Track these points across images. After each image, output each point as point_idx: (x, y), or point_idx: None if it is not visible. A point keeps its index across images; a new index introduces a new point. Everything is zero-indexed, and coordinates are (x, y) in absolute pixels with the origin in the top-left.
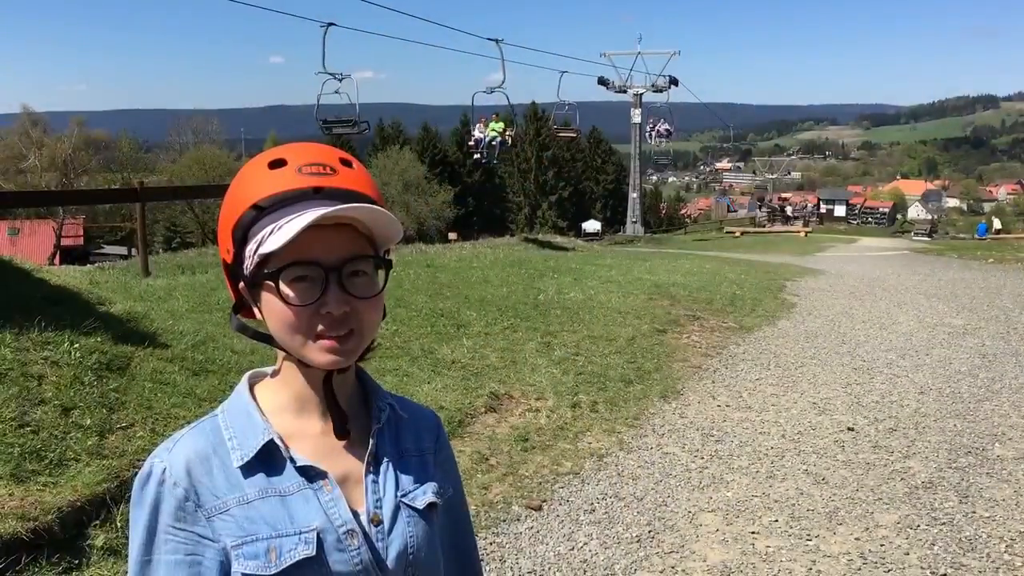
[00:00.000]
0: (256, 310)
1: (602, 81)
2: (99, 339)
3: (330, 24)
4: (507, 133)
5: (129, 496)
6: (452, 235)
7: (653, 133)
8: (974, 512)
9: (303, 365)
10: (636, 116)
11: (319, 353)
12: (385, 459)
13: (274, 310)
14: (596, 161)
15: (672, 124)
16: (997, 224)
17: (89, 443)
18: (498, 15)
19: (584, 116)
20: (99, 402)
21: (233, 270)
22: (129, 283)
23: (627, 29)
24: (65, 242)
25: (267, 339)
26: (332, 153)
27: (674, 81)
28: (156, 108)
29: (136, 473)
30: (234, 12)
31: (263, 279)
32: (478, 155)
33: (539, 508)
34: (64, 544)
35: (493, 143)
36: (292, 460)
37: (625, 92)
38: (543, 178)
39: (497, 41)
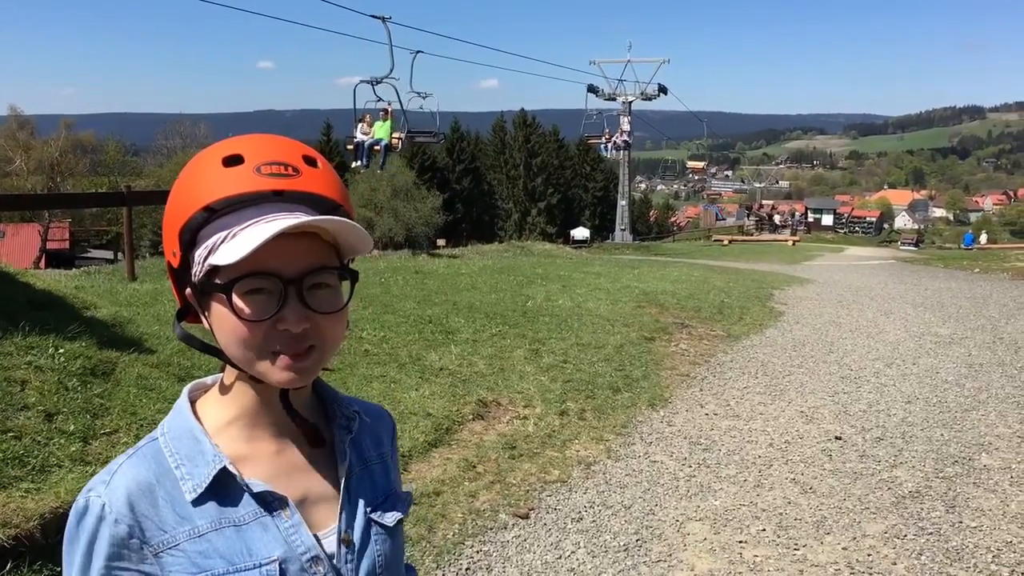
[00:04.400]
0: (204, 319)
1: (592, 88)
2: (84, 344)
3: (418, 52)
4: (396, 136)
5: None
6: (440, 242)
7: (610, 145)
8: (961, 522)
9: (255, 379)
10: (626, 124)
11: (275, 371)
12: (353, 473)
13: (225, 324)
14: (585, 168)
15: (631, 135)
16: (984, 239)
17: (72, 449)
18: (486, 23)
19: (572, 124)
20: (83, 408)
21: (179, 274)
22: (115, 288)
23: (616, 37)
24: (51, 246)
25: (216, 352)
26: (295, 150)
27: (663, 89)
28: (144, 112)
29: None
30: (223, 16)
31: (213, 289)
32: (357, 162)
33: (526, 516)
34: (46, 551)
35: (376, 147)
36: (248, 487)
37: (615, 100)
38: (532, 184)
39: (383, 19)
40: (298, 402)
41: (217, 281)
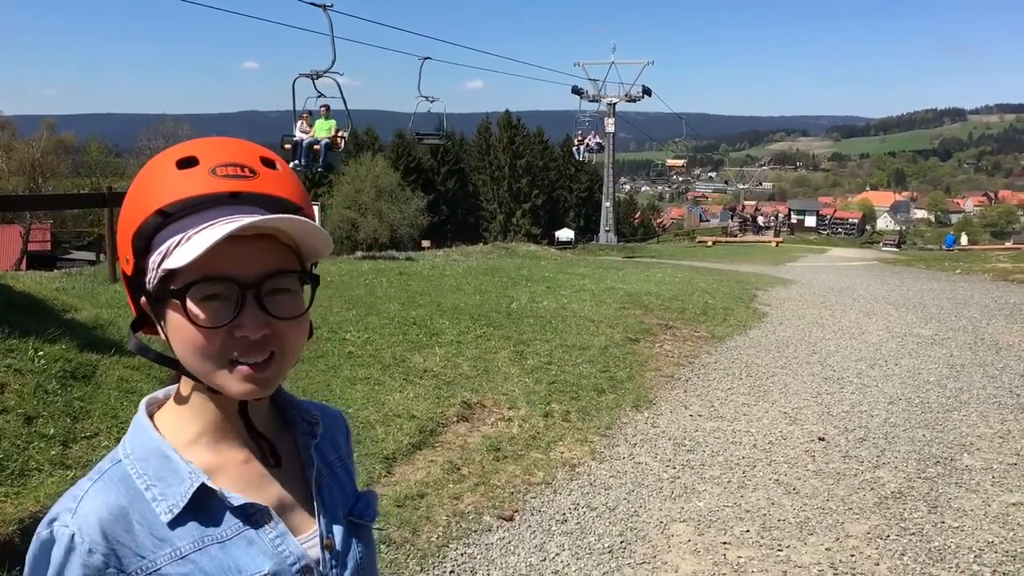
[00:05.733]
0: (159, 329)
1: (576, 90)
2: (64, 347)
3: (426, 58)
4: (339, 135)
5: None
6: (425, 243)
7: (583, 148)
8: (943, 522)
9: (214, 391)
10: (610, 125)
11: (234, 382)
12: (322, 477)
13: (180, 332)
14: (569, 169)
15: (604, 137)
16: (964, 240)
17: (52, 453)
18: (470, 24)
19: (557, 125)
20: (63, 411)
21: (134, 283)
22: (96, 289)
23: (600, 40)
24: (32, 247)
25: (172, 363)
26: (252, 151)
27: (647, 91)
28: (127, 112)
29: None
30: (209, 17)
31: (167, 296)
32: (295, 161)
33: (511, 518)
34: (24, 556)
35: (316, 146)
36: (228, 502)
37: (599, 101)
38: (517, 186)
39: (324, 7)
40: (257, 412)
41: (172, 287)
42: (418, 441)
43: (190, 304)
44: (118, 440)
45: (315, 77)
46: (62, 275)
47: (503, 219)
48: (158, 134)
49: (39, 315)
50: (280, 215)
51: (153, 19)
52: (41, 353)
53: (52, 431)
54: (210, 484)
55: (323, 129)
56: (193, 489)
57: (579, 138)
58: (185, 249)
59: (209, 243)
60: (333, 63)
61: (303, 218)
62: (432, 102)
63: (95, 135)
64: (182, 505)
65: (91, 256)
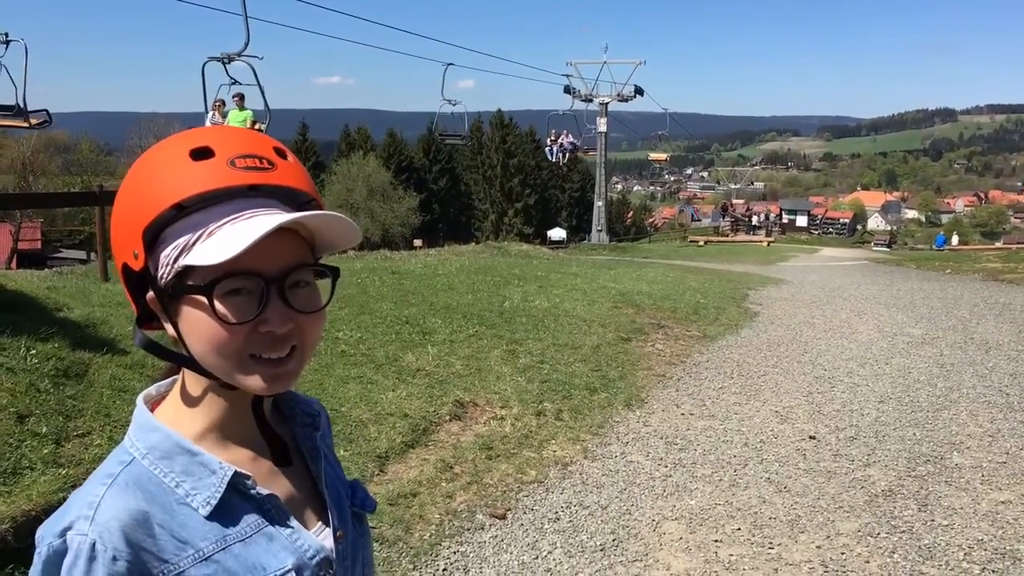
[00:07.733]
0: (168, 325)
1: (568, 90)
2: (56, 345)
3: (449, 64)
4: (255, 128)
5: None
6: (417, 242)
7: (556, 148)
8: (933, 520)
9: (225, 387)
10: (602, 125)
11: (255, 380)
12: (327, 469)
13: (201, 328)
14: (562, 169)
15: (578, 137)
16: (954, 240)
17: (45, 451)
18: (460, 22)
19: (549, 124)
20: (55, 409)
21: (139, 277)
22: (88, 288)
23: (590, 40)
24: (22, 246)
25: (185, 360)
26: (265, 142)
27: (639, 90)
28: (119, 111)
29: None
30: (198, 15)
31: (187, 292)
32: None
33: (503, 517)
34: (18, 554)
35: None
36: (258, 493)
37: (591, 101)
38: (509, 185)
39: None
40: (266, 407)
41: (191, 283)
42: (411, 440)
43: (216, 301)
44: (111, 438)
45: (226, 61)
46: (53, 274)
47: (495, 218)
48: (149, 132)
49: (31, 314)
50: (321, 212)
51: (144, 17)
52: (33, 351)
53: (44, 429)
54: (243, 471)
55: (237, 120)
56: (227, 478)
57: (552, 137)
58: (212, 245)
59: (251, 240)
60: (246, 45)
61: (340, 215)
62: (455, 105)
63: (86, 133)
64: (219, 496)
65: (82, 255)
